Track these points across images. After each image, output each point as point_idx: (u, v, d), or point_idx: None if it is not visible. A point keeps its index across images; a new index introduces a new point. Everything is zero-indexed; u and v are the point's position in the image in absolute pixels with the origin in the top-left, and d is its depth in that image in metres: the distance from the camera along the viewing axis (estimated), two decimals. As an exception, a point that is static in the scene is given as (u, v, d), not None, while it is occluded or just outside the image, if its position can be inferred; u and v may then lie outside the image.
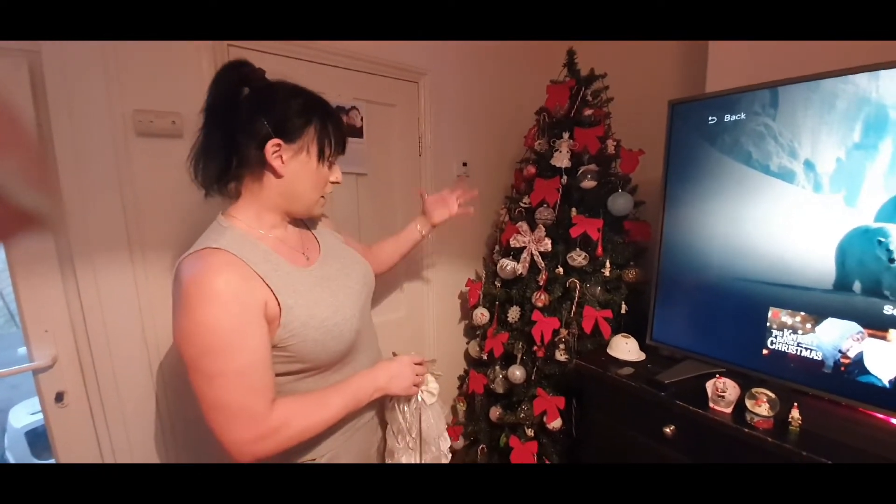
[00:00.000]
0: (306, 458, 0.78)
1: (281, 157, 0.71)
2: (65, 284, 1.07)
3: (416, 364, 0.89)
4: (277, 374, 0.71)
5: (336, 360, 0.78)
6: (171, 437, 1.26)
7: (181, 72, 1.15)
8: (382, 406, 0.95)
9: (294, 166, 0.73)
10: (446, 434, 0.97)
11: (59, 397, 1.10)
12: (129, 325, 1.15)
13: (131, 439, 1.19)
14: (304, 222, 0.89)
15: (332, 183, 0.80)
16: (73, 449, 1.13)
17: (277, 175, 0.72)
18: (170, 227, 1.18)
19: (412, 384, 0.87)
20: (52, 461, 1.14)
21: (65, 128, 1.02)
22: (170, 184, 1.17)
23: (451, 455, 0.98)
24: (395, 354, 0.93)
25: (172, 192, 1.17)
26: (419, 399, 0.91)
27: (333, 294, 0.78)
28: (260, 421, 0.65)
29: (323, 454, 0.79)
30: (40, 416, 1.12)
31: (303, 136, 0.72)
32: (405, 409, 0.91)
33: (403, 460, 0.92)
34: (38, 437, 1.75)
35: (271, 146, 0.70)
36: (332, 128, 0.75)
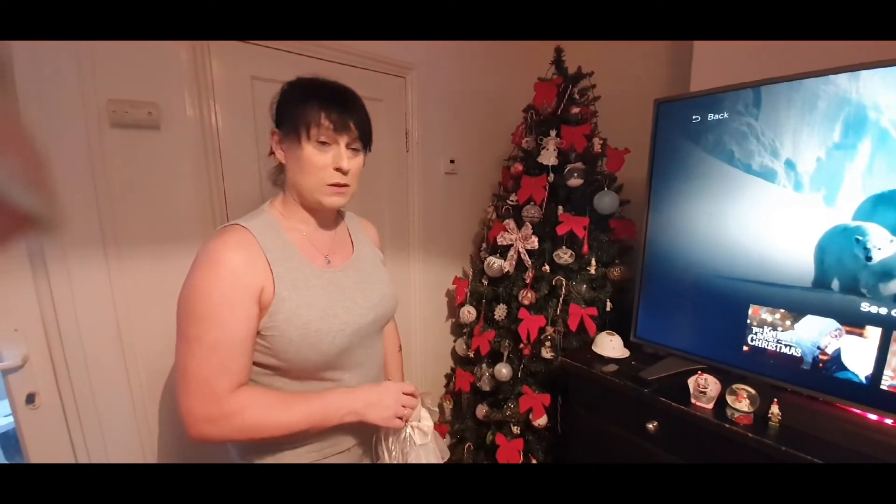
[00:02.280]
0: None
1: (279, 144, 0.74)
2: (36, 281, 1.03)
3: (405, 394, 0.79)
4: (253, 363, 0.71)
5: (309, 369, 0.73)
6: (147, 440, 1.23)
7: (158, 61, 1.11)
8: (369, 437, 0.85)
9: (287, 152, 0.74)
10: None
11: (31, 398, 1.06)
12: (103, 324, 1.11)
13: (107, 442, 1.15)
14: (348, 229, 0.90)
15: (336, 170, 0.73)
16: (45, 452, 1.09)
17: (282, 164, 0.76)
18: (146, 221, 1.15)
19: (394, 415, 0.76)
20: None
21: (35, 118, 0.98)
22: (146, 177, 1.13)
23: None
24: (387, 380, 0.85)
25: (149, 185, 1.14)
26: (407, 435, 0.80)
27: (332, 302, 0.74)
28: (215, 401, 0.64)
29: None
30: (12, 418, 1.08)
31: (288, 118, 0.72)
32: (393, 445, 0.80)
33: None
34: (9, 440, 1.68)
35: (273, 137, 0.75)
36: (318, 105, 0.70)
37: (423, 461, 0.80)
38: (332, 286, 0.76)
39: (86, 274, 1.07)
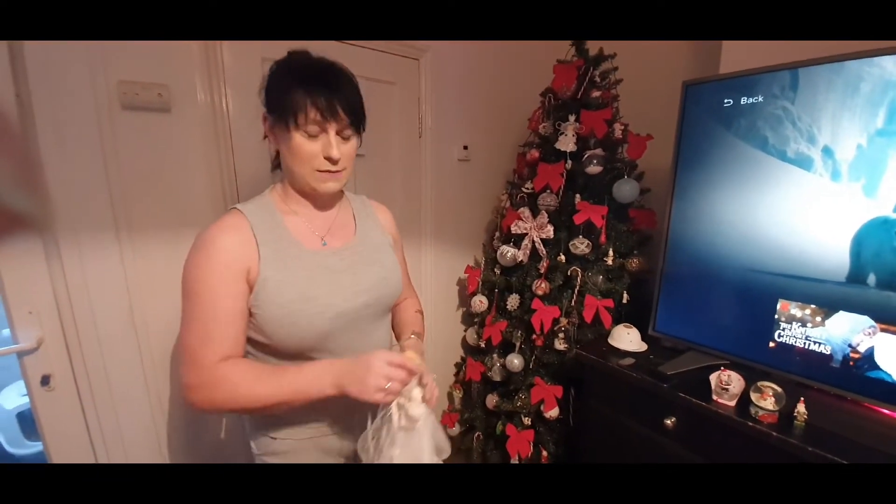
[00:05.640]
0: (269, 435, 0.79)
1: (269, 128, 0.73)
2: (49, 264, 1.03)
3: (395, 365, 0.68)
4: (250, 341, 0.74)
5: (292, 348, 0.73)
6: (161, 420, 1.24)
7: (168, 42, 1.08)
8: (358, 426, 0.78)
9: (278, 137, 0.72)
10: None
11: (46, 380, 1.07)
12: (116, 306, 1.11)
13: (121, 422, 1.16)
14: (353, 209, 0.87)
15: (326, 159, 0.71)
16: (61, 433, 1.10)
17: (276, 148, 0.75)
18: (157, 204, 1.14)
19: (375, 388, 0.65)
20: (40, 444, 1.12)
21: (45, 100, 0.96)
22: (157, 159, 1.12)
23: None
24: (402, 349, 0.76)
25: (160, 168, 1.13)
26: (389, 414, 0.68)
27: (316, 284, 0.73)
28: (202, 370, 0.67)
29: (285, 437, 0.78)
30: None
31: (278, 104, 0.69)
32: (373, 425, 0.70)
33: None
34: (28, 420, 1.73)
35: (263, 120, 0.73)
36: (303, 92, 0.67)
37: (398, 450, 0.68)
38: (320, 268, 0.75)
39: (98, 257, 1.07)
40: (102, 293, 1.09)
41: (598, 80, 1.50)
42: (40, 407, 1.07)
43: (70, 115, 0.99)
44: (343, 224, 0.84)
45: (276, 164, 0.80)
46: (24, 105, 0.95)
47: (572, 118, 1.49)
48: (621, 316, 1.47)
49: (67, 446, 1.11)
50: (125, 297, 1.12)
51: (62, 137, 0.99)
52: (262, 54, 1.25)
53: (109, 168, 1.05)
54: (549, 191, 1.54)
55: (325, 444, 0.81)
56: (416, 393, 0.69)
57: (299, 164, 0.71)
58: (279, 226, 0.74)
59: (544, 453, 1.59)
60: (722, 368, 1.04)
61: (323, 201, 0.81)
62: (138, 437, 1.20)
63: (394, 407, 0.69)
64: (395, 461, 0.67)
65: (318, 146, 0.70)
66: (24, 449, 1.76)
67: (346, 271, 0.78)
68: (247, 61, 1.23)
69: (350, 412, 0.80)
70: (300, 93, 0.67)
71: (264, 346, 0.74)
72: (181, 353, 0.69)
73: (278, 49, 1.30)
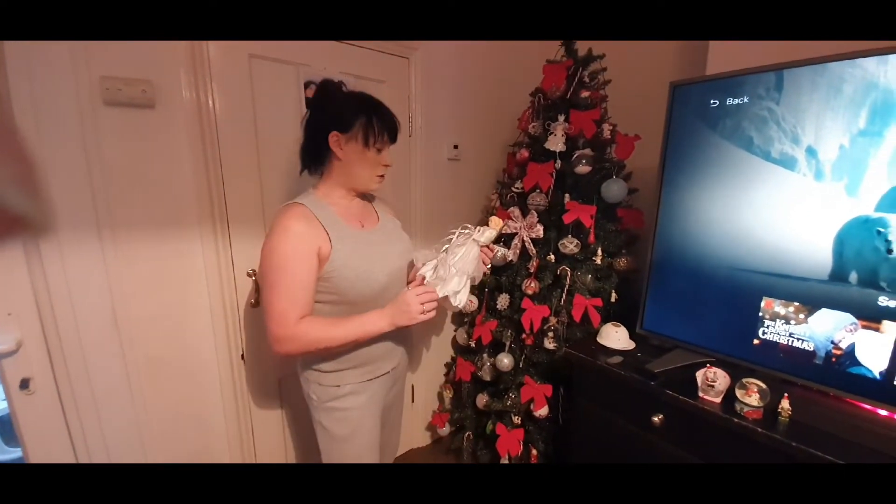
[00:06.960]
0: (331, 385, 1.02)
1: (340, 144, 0.94)
2: (29, 264, 1.01)
3: (421, 291, 0.95)
4: (319, 302, 0.96)
5: (361, 300, 0.98)
6: (146, 423, 1.21)
7: (152, 37, 1.06)
8: (403, 363, 1.17)
9: (348, 151, 0.95)
10: (465, 289, 0.99)
11: (25, 384, 1.04)
12: (98, 307, 1.09)
13: (103, 426, 1.14)
14: (373, 204, 1.13)
15: (385, 166, 1.00)
16: (41, 437, 1.08)
17: (338, 158, 0.96)
18: (141, 202, 1.12)
19: (418, 312, 0.94)
20: (19, 451, 1.09)
21: (25, 95, 0.94)
22: (141, 157, 1.10)
23: (457, 304, 0.99)
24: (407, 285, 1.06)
25: (144, 166, 1.11)
26: (473, 232, 0.98)
27: (370, 253, 1.00)
28: (288, 325, 0.89)
29: (346, 382, 1.02)
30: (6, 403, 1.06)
31: (353, 127, 0.93)
32: (458, 238, 0.99)
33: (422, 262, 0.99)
34: (7, 425, 1.68)
35: (333, 137, 0.94)
36: (377, 121, 0.95)
37: (470, 257, 0.97)
38: (368, 242, 1.01)
39: (80, 257, 1.05)
40: (84, 293, 1.06)
41: (587, 80, 1.51)
42: (20, 411, 1.04)
43: (51, 110, 0.97)
44: (369, 213, 1.10)
45: (316, 169, 1.01)
46: (3, 100, 0.92)
47: (562, 118, 1.50)
48: (610, 315, 1.48)
49: (48, 451, 1.09)
50: (107, 297, 1.10)
51: (43, 133, 0.96)
52: (249, 51, 1.24)
53: (92, 165, 1.03)
54: (538, 190, 1.55)
55: (376, 385, 1.07)
56: (490, 232, 0.99)
57: (367, 171, 0.99)
58: (331, 214, 0.97)
59: (534, 452, 1.60)
60: (708, 366, 1.05)
61: (360, 196, 1.06)
62: (121, 441, 1.18)
63: (474, 233, 0.99)
64: (465, 254, 0.97)
65: (381, 157, 0.99)
66: (2, 455, 1.71)
67: (387, 243, 1.06)
68: (233, 58, 1.22)
69: (393, 360, 1.10)
70: (380, 123, 0.95)
71: (335, 303, 0.98)
72: (268, 314, 0.89)
73: (268, 46, 1.28)
